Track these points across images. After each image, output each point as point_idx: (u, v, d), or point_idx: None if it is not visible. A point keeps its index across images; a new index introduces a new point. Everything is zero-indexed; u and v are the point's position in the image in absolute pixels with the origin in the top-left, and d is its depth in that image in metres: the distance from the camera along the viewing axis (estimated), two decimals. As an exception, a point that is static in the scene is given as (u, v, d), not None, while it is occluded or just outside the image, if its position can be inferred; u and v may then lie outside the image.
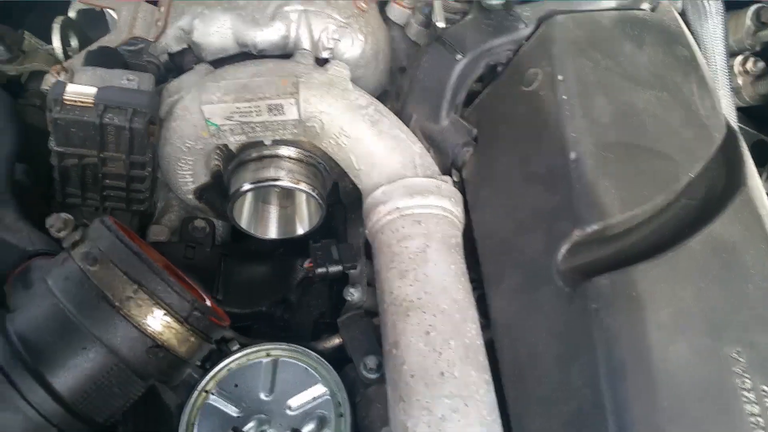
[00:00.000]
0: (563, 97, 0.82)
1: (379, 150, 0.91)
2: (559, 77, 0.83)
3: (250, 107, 0.89)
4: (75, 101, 0.87)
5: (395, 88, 1.17)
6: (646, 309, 0.69)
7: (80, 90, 0.88)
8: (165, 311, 0.64)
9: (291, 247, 1.08)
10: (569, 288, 0.72)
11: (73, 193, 0.98)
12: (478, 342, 0.77)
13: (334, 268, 0.94)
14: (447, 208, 0.87)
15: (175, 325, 0.64)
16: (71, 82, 0.90)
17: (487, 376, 0.75)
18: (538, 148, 0.82)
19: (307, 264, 0.97)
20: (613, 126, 0.80)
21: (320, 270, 0.93)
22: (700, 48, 1.02)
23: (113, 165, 0.94)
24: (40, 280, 0.69)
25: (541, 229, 0.78)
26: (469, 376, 0.73)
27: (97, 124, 0.87)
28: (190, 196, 1.06)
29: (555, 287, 0.74)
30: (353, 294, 0.94)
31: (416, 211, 0.86)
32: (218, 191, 1.06)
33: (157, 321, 0.63)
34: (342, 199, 1.09)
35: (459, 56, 0.92)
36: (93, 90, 0.88)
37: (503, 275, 0.82)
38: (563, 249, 0.74)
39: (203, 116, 0.90)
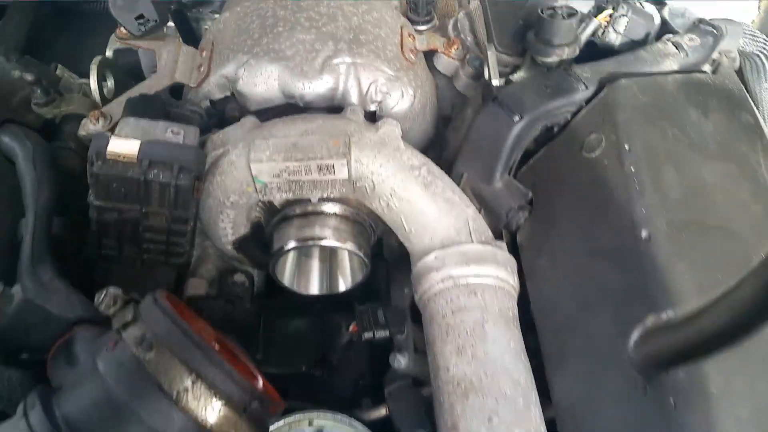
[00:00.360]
0: (631, 168, 0.78)
1: (432, 212, 0.88)
2: (626, 147, 0.80)
3: (299, 167, 0.85)
4: (118, 155, 0.84)
5: (438, 138, 1.14)
6: (724, 405, 0.65)
7: (123, 144, 0.85)
8: (224, 402, 0.60)
9: (330, 301, 1.04)
10: (643, 377, 0.68)
11: (110, 246, 0.94)
12: (543, 429, 0.74)
13: (381, 334, 0.90)
14: (503, 278, 0.84)
15: (233, 416, 0.60)
16: (111, 132, 0.88)
17: (553, 468, 0.71)
18: (604, 221, 0.79)
19: (352, 328, 0.94)
20: (684, 202, 0.76)
21: (367, 335, 0.90)
22: (757, 108, 0.99)
23: (154, 219, 0.90)
24: (87, 356, 0.66)
25: (610, 311, 0.74)
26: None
27: (142, 180, 0.84)
28: (229, 247, 1.02)
29: (627, 375, 0.70)
30: (400, 361, 0.91)
31: (471, 281, 0.82)
32: (256, 241, 1.03)
33: (215, 412, 0.59)
34: (385, 254, 1.05)
35: (517, 118, 0.89)
36: (136, 144, 0.84)
37: (567, 355, 0.78)
38: (636, 335, 0.70)
39: (250, 173, 0.87)
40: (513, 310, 0.83)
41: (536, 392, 0.77)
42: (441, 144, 1.13)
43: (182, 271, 1.05)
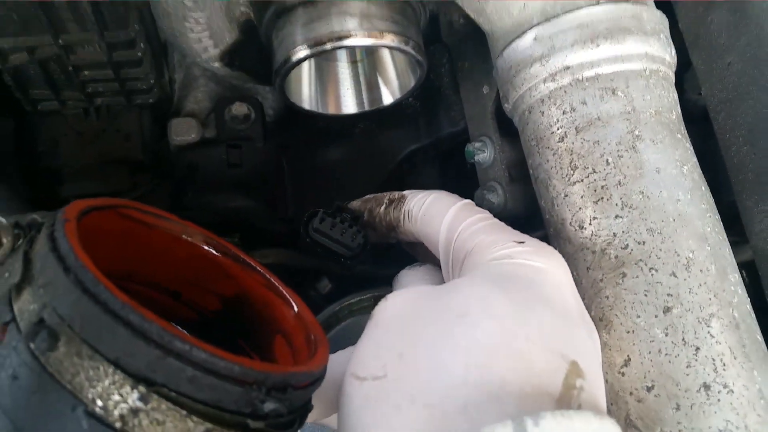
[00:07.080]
0: None
1: (521, -44, 0.51)
2: None
3: None
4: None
5: None
6: None
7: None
8: (209, 424, 0.32)
9: (375, 120, 0.73)
10: None
11: (44, 96, 0.64)
12: (748, 307, 0.45)
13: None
14: (656, 54, 0.49)
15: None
16: None
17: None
18: None
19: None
20: None
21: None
22: None
23: (84, 52, 0.58)
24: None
25: None
26: (752, 383, 0.42)
27: (31, -3, 0.50)
28: (217, 65, 0.70)
29: None
30: (491, 200, 0.61)
31: (604, 71, 0.48)
32: (257, 48, 0.70)
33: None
34: (444, 37, 0.70)
35: None
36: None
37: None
38: None
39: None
40: (676, 107, 0.50)
41: (729, 244, 0.47)
42: None
43: (165, 107, 0.75)
